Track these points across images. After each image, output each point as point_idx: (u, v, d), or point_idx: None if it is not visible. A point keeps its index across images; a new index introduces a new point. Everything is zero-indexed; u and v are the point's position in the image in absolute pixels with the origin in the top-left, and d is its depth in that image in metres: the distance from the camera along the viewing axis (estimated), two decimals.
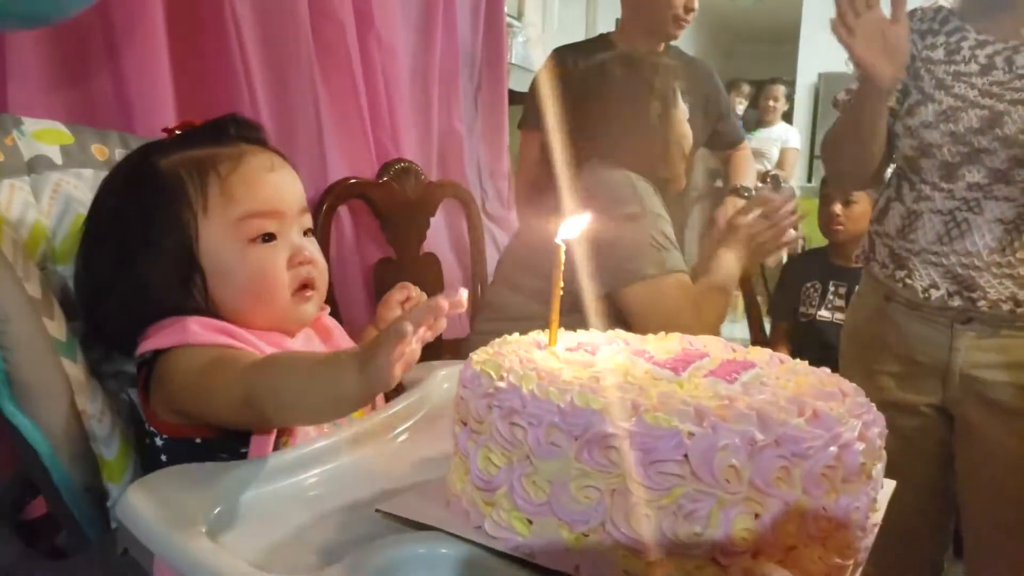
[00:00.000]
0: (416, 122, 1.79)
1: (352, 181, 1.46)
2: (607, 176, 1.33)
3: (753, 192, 2.14)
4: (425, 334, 0.57)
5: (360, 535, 0.58)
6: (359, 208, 1.50)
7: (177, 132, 0.83)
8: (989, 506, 1.26)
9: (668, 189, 1.41)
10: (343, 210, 1.46)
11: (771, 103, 4.86)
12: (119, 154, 0.92)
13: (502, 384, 0.54)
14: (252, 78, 1.27)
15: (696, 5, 2.04)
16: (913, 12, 1.31)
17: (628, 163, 1.34)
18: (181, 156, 0.79)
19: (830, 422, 0.50)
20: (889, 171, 1.38)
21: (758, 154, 3.98)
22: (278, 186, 0.80)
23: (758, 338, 2.34)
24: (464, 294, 0.56)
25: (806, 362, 0.65)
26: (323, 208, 1.38)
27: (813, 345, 2.22)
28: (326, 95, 1.43)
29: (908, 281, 1.25)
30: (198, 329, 0.74)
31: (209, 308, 0.78)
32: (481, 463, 0.54)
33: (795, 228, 1.39)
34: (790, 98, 4.97)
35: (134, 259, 0.77)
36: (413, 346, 0.56)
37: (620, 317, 1.26)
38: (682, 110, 1.43)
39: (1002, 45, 1.20)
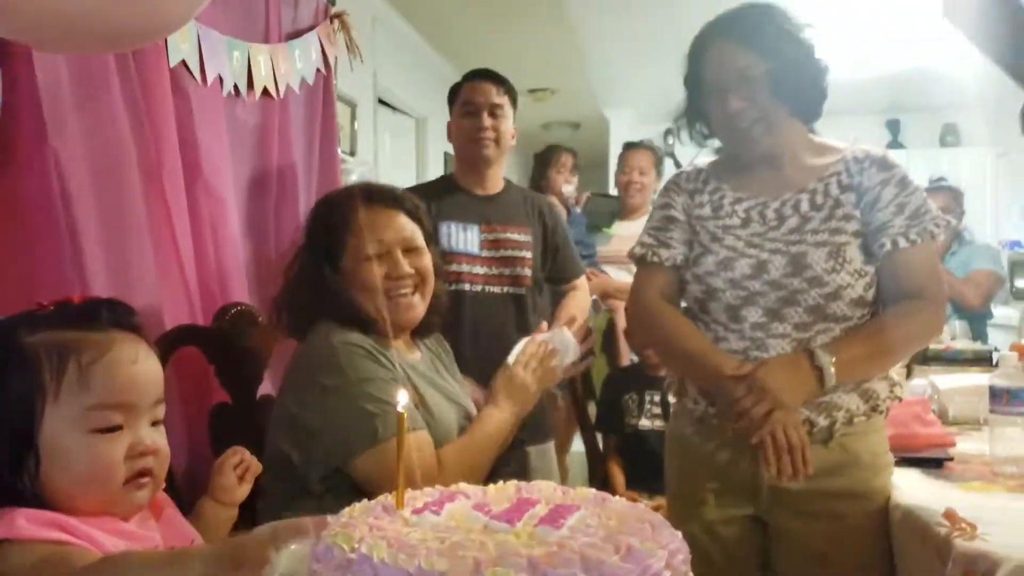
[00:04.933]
0: (256, 263, 1.82)
1: (183, 328, 1.45)
2: (313, 343, 1.31)
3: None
4: None
5: None
6: (193, 354, 1.49)
7: (51, 307, 0.83)
8: None
9: (385, 330, 1.34)
10: (178, 357, 1.44)
11: (637, 177, 3.12)
12: None
13: (354, 556, 0.58)
14: (77, 234, 1.27)
15: (488, 123, 2.08)
16: (680, 175, 1.53)
17: (337, 316, 1.31)
18: (47, 336, 0.79)
19: (641, 556, 0.59)
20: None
21: (621, 260, 2.70)
22: (137, 379, 0.82)
23: (593, 453, 2.47)
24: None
25: (624, 500, 0.74)
26: None
27: (642, 454, 2.39)
28: (152, 246, 1.44)
29: (720, 417, 1.38)
30: (25, 524, 0.72)
31: (36, 492, 0.77)
32: None
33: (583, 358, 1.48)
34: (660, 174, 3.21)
35: None
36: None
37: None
38: (362, 247, 1.33)
39: (754, 201, 1.43)
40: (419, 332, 1.47)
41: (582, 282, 2.32)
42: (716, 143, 1.51)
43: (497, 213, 2.11)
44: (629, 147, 3.27)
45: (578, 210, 3.27)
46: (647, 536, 0.63)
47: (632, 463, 2.46)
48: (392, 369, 1.29)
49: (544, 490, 0.76)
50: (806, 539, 1.38)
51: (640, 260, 1.50)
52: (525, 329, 2.09)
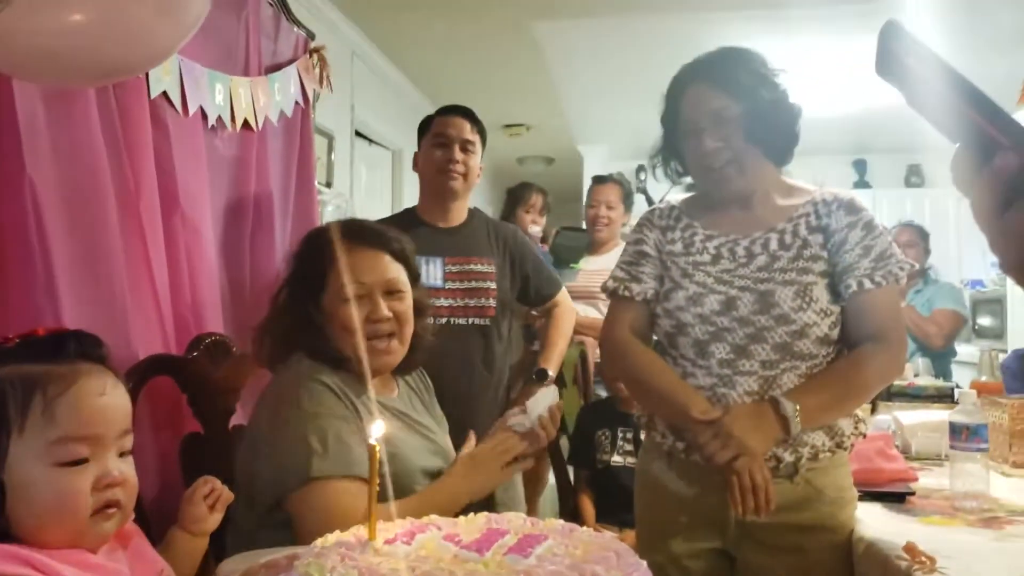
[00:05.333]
0: (232, 293, 1.82)
1: (156, 358, 1.45)
2: (282, 374, 1.31)
3: (550, 378, 2.17)
4: None
5: None
6: (165, 384, 1.48)
7: (16, 340, 0.82)
8: None
9: (356, 367, 1.30)
10: (150, 387, 1.44)
11: (604, 211, 3.14)
12: None
13: None
14: (51, 263, 1.28)
15: (459, 157, 2.10)
16: (652, 211, 1.57)
17: (312, 351, 1.31)
18: (12, 370, 0.79)
19: None
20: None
21: (589, 295, 2.95)
22: (104, 411, 0.82)
23: (564, 486, 2.47)
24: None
25: (590, 529, 0.76)
26: (128, 388, 1.34)
27: (613, 489, 2.39)
28: (127, 277, 1.44)
29: (688, 452, 1.41)
30: None
31: (2, 526, 0.76)
32: None
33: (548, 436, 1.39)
34: (629, 208, 3.23)
35: None
36: None
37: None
38: (343, 287, 1.31)
39: (724, 238, 1.47)
40: (399, 370, 1.46)
41: (562, 297, 2.33)
42: (689, 180, 1.56)
43: (461, 245, 2.12)
44: (597, 181, 3.24)
45: (543, 248, 3.27)
46: (612, 564, 0.64)
47: (603, 497, 2.46)
48: (353, 411, 1.26)
49: (513, 521, 0.77)
50: (773, 572, 1.40)
51: (612, 294, 1.53)
52: (491, 359, 2.12)
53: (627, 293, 1.50)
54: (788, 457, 1.37)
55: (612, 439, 2.49)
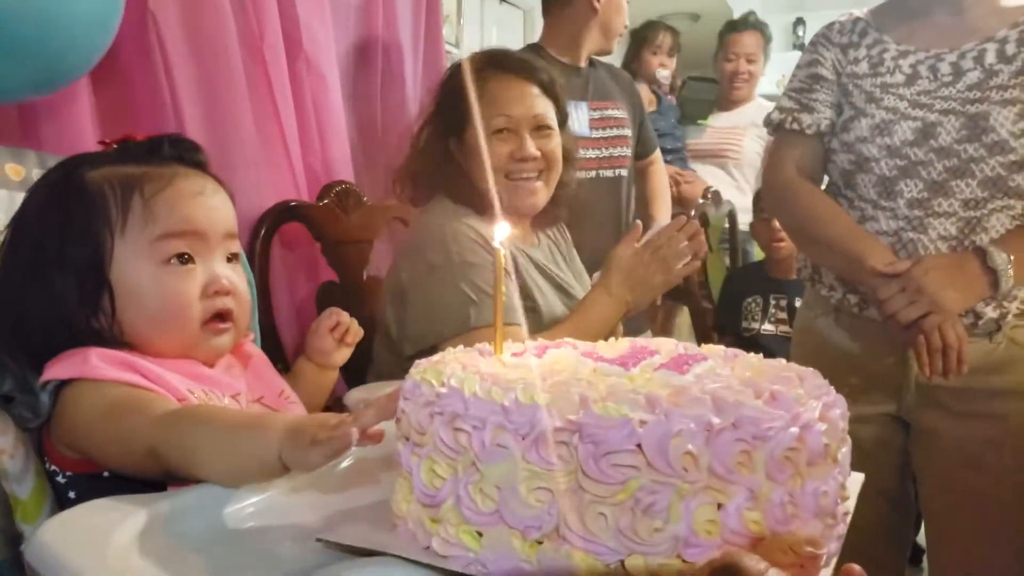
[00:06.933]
0: (362, 144, 1.77)
1: (291, 204, 1.42)
2: (425, 217, 1.25)
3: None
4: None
5: (301, 567, 0.54)
6: (299, 232, 1.46)
7: (114, 145, 0.80)
8: (951, 508, 1.26)
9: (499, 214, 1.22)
10: (283, 234, 1.42)
11: (744, 66, 2.79)
12: (36, 174, 0.88)
13: (443, 390, 0.50)
14: (179, 103, 1.26)
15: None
16: (831, 26, 1.32)
17: (454, 193, 1.25)
18: (110, 171, 0.77)
19: (789, 403, 0.47)
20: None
21: (717, 153, 2.80)
22: (203, 208, 0.78)
23: None
24: None
25: (760, 355, 0.63)
26: (261, 232, 1.33)
27: None
28: (254, 121, 1.40)
29: (862, 307, 1.24)
30: (98, 362, 0.70)
31: (113, 332, 0.75)
32: (425, 476, 0.51)
33: (697, 256, 1.24)
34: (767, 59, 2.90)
35: (46, 269, 0.74)
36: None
37: None
38: (487, 120, 1.23)
39: (924, 54, 1.22)
40: (541, 221, 1.37)
41: (659, 155, 2.18)
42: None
43: (597, 88, 1.95)
44: (734, 28, 2.86)
45: (671, 99, 2.90)
46: (796, 385, 0.52)
47: None
48: (487, 261, 1.20)
49: (662, 344, 0.65)
50: (959, 442, 1.23)
51: (778, 127, 1.33)
52: (629, 214, 1.98)
53: (796, 126, 1.29)
54: (990, 313, 1.16)
55: (763, 306, 2.31)
